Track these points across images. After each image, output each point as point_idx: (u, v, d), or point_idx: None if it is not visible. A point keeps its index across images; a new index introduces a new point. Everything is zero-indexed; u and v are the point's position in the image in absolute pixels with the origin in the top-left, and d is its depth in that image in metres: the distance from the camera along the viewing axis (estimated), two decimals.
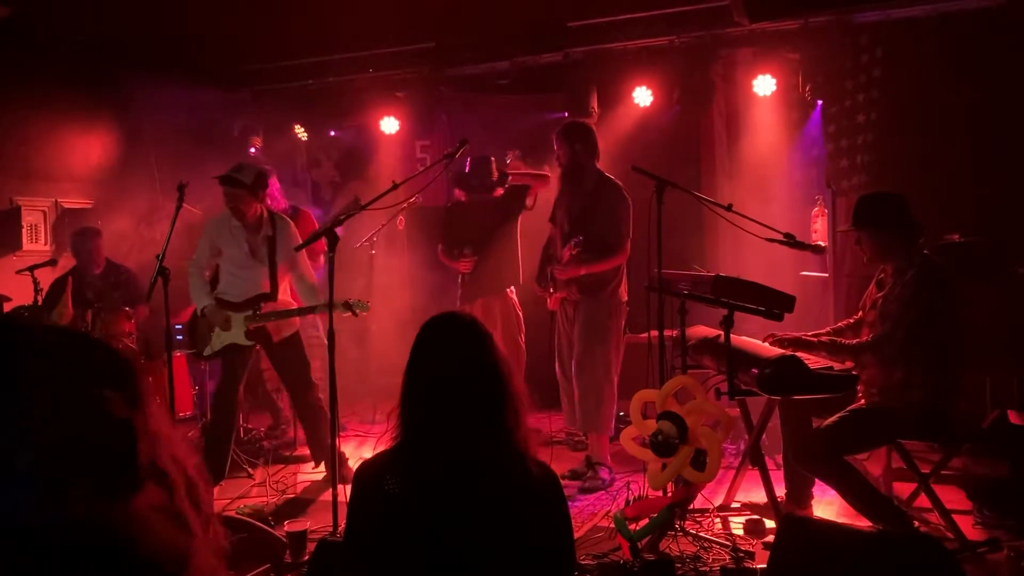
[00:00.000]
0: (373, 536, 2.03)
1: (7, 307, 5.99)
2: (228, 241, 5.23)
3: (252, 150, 8.22)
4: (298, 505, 4.99)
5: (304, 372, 5.37)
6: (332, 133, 8.38)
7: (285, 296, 5.35)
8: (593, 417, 5.12)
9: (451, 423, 2.03)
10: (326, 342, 4.21)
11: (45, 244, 7.50)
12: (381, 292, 7.23)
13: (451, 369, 2.09)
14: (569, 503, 4.76)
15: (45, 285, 5.90)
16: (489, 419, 2.05)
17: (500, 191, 5.92)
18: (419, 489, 2.00)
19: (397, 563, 1.99)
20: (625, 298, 5.24)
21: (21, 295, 5.94)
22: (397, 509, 2.00)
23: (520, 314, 5.98)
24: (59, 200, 7.71)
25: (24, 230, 7.34)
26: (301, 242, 5.38)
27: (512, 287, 5.96)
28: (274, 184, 6.39)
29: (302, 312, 5.21)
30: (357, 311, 4.85)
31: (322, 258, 6.58)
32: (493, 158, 5.99)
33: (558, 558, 2.07)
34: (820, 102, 6.47)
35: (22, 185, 7.49)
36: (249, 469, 5.64)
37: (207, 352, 5.25)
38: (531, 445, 2.11)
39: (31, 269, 5.80)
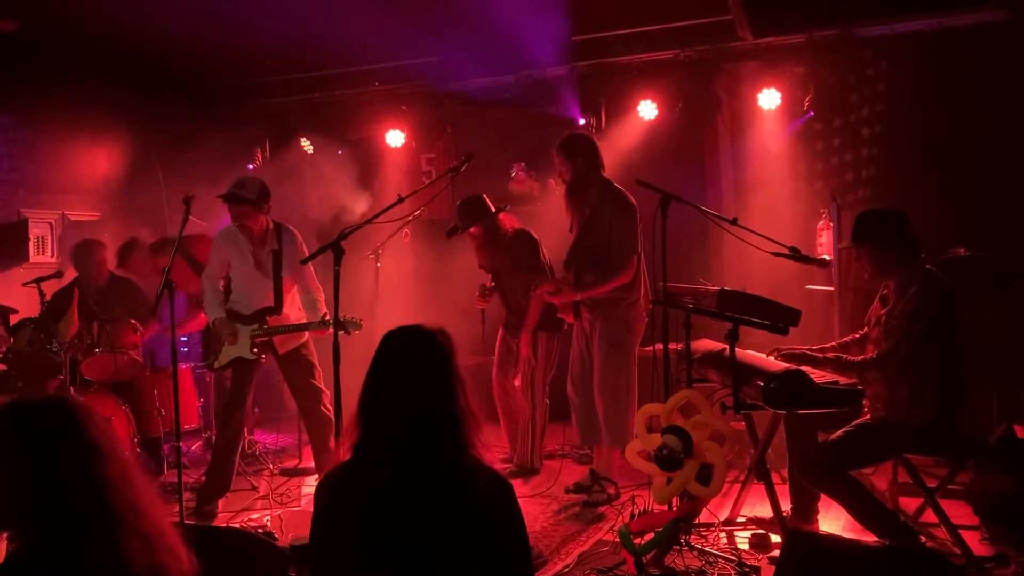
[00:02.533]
0: (336, 545, 2.08)
1: (13, 319, 6.00)
2: (235, 254, 5.28)
3: (251, 166, 8.23)
4: (303, 518, 4.98)
5: (311, 383, 5.37)
6: (339, 152, 8.38)
7: (293, 309, 5.37)
8: (620, 433, 5.06)
9: (404, 431, 2.10)
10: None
11: (52, 256, 7.52)
12: (386, 304, 7.24)
13: (404, 379, 2.16)
14: (574, 515, 4.77)
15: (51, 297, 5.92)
16: (440, 428, 2.12)
17: (507, 230, 5.60)
18: (376, 495, 2.06)
19: (359, 568, 2.04)
20: (645, 311, 5.13)
21: (28, 307, 5.95)
22: (356, 516, 2.06)
23: (541, 359, 5.63)
24: (66, 212, 7.75)
25: (31, 242, 7.37)
26: (307, 254, 5.42)
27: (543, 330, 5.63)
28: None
29: (301, 328, 5.23)
30: (350, 329, 4.85)
31: None
32: (484, 196, 5.67)
33: (511, 559, 2.13)
34: (811, 112, 6.48)
35: (29, 197, 7.53)
36: (253, 481, 5.64)
37: (216, 365, 5.31)
38: (484, 454, 2.18)
39: (38, 281, 5.81)
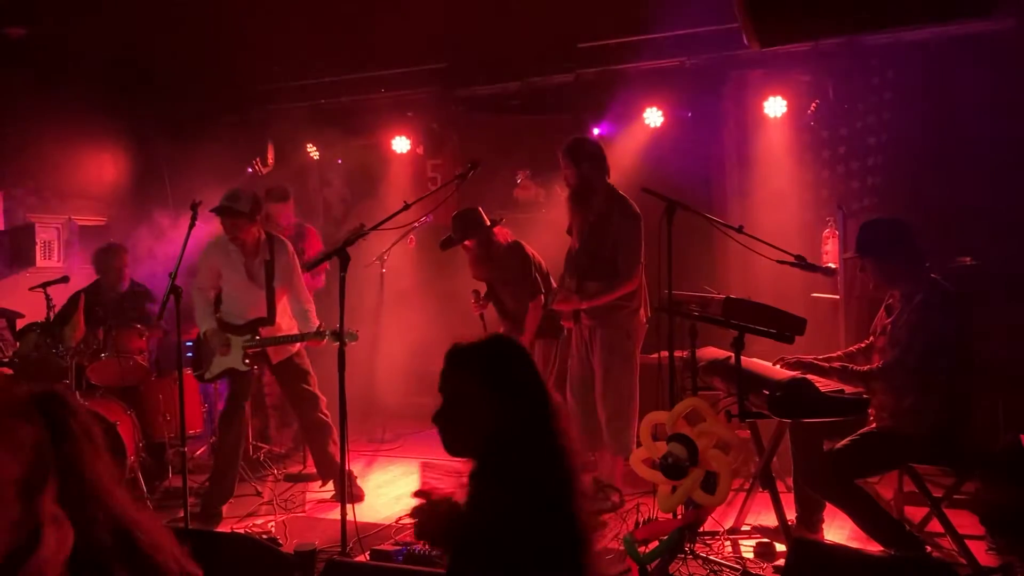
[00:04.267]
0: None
1: (20, 323, 6.02)
2: (226, 264, 5.28)
3: (249, 169, 8.22)
4: (307, 524, 4.99)
5: (308, 390, 5.37)
6: (339, 161, 8.42)
7: (284, 319, 5.38)
8: (622, 441, 5.05)
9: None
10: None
11: (58, 261, 7.54)
12: (391, 311, 7.25)
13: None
14: None
15: (58, 302, 5.93)
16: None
17: (500, 243, 5.63)
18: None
19: None
20: (645, 318, 5.16)
21: (34, 312, 5.97)
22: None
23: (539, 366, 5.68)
24: (73, 217, 7.77)
25: (38, 247, 7.39)
26: (299, 264, 5.43)
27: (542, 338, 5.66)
28: (288, 208, 6.49)
29: (296, 339, 5.23)
30: (347, 341, 4.85)
31: (323, 276, 6.61)
32: (480, 208, 5.69)
33: None
34: (812, 122, 6.48)
35: (36, 202, 7.55)
36: (257, 487, 5.64)
37: (208, 376, 5.32)
38: None
39: (44, 286, 5.83)
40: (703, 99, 6.85)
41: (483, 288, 5.83)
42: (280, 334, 5.27)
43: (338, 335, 4.31)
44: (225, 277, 5.30)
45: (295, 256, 5.41)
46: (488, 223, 5.58)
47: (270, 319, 5.25)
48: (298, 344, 5.35)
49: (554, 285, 5.62)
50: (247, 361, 5.18)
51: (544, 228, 6.56)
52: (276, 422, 6.63)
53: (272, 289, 5.24)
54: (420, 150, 8.05)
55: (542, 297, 5.58)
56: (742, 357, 3.93)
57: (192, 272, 5.44)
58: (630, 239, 5.02)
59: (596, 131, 7.09)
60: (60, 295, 6.04)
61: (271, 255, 5.26)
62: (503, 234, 5.68)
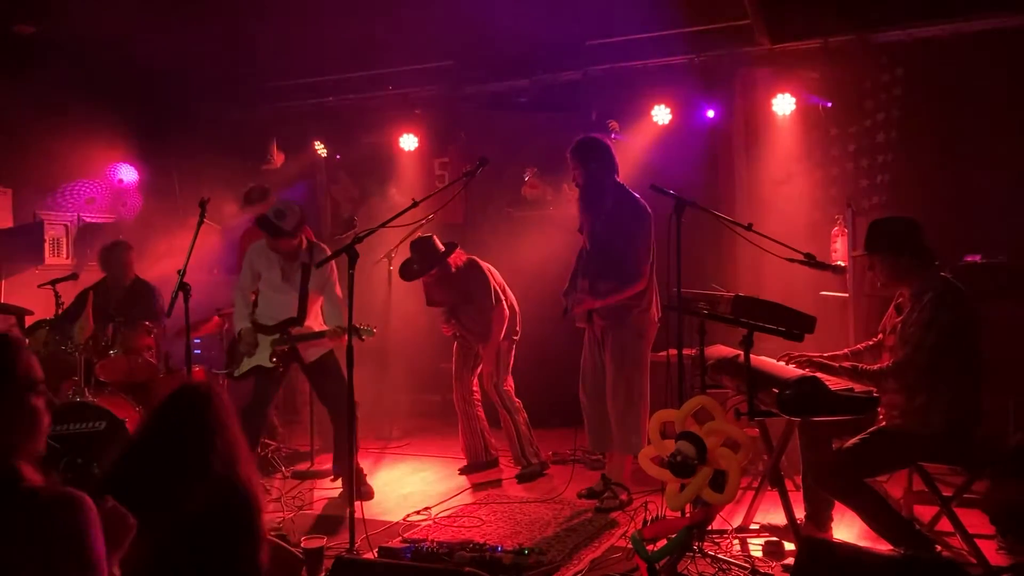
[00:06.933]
0: None
1: (29, 320, 6.04)
2: (265, 265, 5.39)
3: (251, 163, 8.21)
4: (315, 521, 4.99)
5: (340, 392, 5.37)
6: (338, 157, 8.41)
7: (316, 322, 5.44)
8: (632, 440, 5.04)
9: None
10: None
11: (67, 258, 7.57)
12: (399, 307, 7.25)
13: None
14: (586, 520, 4.75)
15: (67, 299, 5.95)
16: None
17: (453, 267, 5.81)
18: None
19: None
20: (656, 317, 5.13)
21: (43, 308, 5.99)
22: None
23: (500, 368, 5.91)
24: (81, 215, 7.79)
25: (47, 244, 7.41)
26: (336, 270, 5.46)
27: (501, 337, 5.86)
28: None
29: (318, 336, 5.25)
30: (363, 336, 4.87)
31: None
32: (433, 236, 5.90)
33: None
34: (828, 103, 6.46)
35: (45, 200, 7.57)
36: (266, 485, 5.65)
37: (236, 373, 5.38)
38: None
39: (53, 283, 5.85)
40: (712, 96, 6.83)
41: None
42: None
43: (356, 331, 4.35)
44: (263, 278, 5.42)
45: (332, 262, 5.44)
46: (443, 250, 5.76)
47: (299, 320, 5.31)
48: (330, 344, 5.38)
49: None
50: (274, 359, 5.25)
51: (552, 226, 6.56)
52: (280, 420, 6.67)
53: (306, 292, 5.31)
54: (427, 148, 8.05)
55: (503, 305, 5.81)
56: (751, 355, 3.92)
57: (201, 268, 5.48)
58: (640, 239, 4.99)
59: (613, 134, 7.01)
60: (69, 292, 6.06)
61: (310, 259, 5.34)
62: (455, 257, 5.84)
